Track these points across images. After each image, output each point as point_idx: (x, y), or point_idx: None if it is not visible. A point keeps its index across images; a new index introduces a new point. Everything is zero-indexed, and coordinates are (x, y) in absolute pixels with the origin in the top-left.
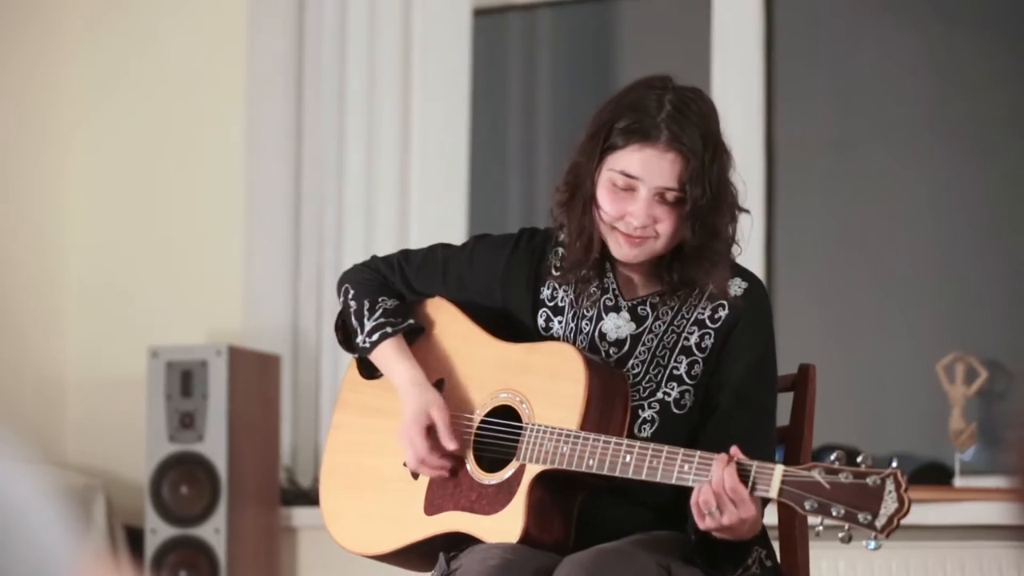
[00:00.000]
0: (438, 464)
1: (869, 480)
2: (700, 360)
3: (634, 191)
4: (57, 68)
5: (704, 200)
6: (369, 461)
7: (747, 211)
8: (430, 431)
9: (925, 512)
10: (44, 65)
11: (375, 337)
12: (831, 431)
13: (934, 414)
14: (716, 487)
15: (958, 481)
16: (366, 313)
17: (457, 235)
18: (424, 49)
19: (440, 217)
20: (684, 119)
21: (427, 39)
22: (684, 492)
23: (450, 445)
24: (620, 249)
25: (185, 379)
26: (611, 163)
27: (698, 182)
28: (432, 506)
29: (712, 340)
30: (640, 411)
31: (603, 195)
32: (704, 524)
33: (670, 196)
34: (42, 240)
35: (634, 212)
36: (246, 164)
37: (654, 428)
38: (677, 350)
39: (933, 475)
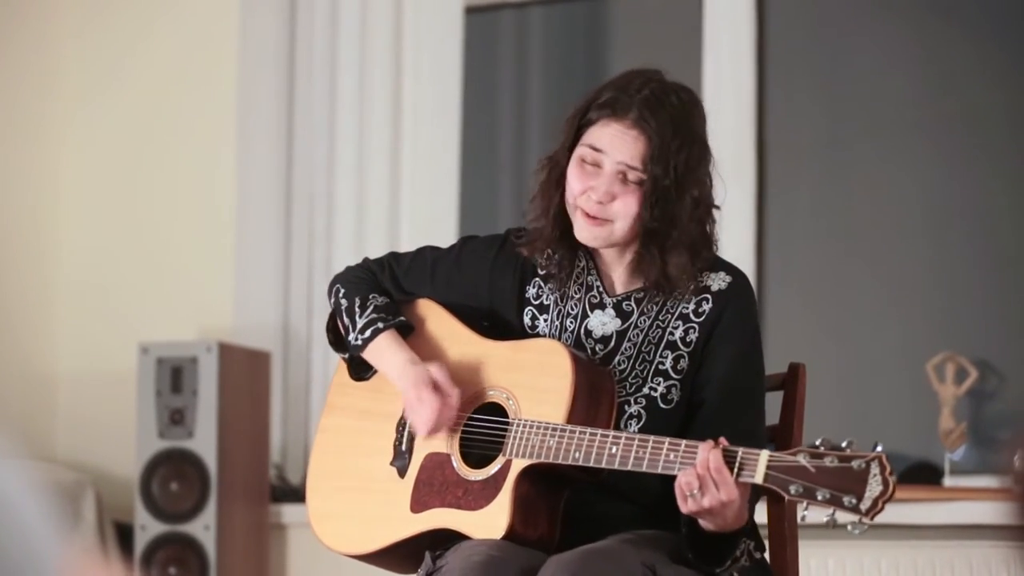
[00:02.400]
0: (449, 417)
1: (854, 464)
2: (685, 354)
3: (600, 167)
4: (49, 67)
5: (665, 183)
6: (356, 462)
7: (717, 207)
8: (436, 389)
9: (914, 511)
10: (37, 64)
11: (367, 333)
12: (821, 430)
13: (924, 413)
14: (700, 468)
15: (947, 481)
16: (357, 310)
17: (448, 233)
18: (416, 47)
19: (431, 215)
20: (658, 104)
21: (419, 36)
22: (672, 489)
23: (453, 392)
24: (582, 231)
25: (175, 375)
26: (584, 138)
27: (660, 163)
28: (418, 504)
29: (697, 334)
30: (626, 407)
31: (572, 170)
32: (686, 507)
33: (632, 176)
34: (33, 236)
35: (595, 187)
36: (237, 161)
37: (641, 423)
38: (662, 345)
39: (922, 474)
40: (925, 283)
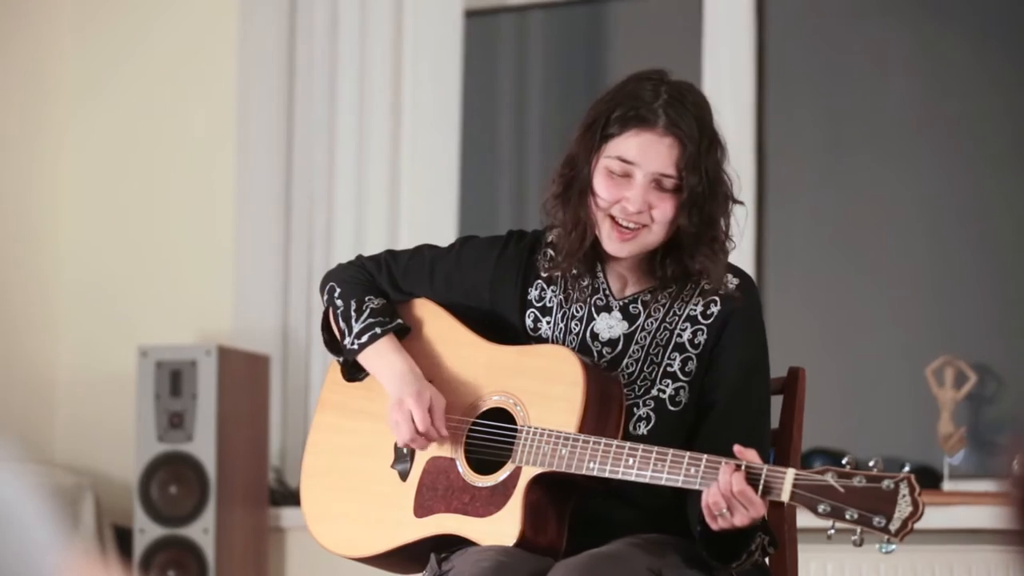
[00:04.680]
0: (434, 439)
1: (883, 484)
2: (694, 356)
3: (630, 177)
4: (49, 68)
5: (701, 187)
6: (354, 463)
7: (741, 203)
8: (430, 409)
9: None
10: (36, 65)
11: (364, 339)
12: (820, 434)
13: (923, 418)
14: (724, 490)
15: (947, 485)
16: (353, 314)
17: (447, 236)
18: (415, 50)
19: (430, 218)
20: (681, 106)
21: (418, 40)
22: (680, 495)
23: (443, 431)
24: (611, 243)
25: (174, 379)
26: (608, 151)
27: (695, 169)
28: (422, 508)
29: (705, 336)
30: (635, 409)
31: (599, 182)
32: (717, 525)
33: (667, 183)
34: (33, 239)
35: (630, 197)
36: (237, 164)
37: (650, 426)
38: (671, 347)
39: (922, 479)
40: (924, 287)
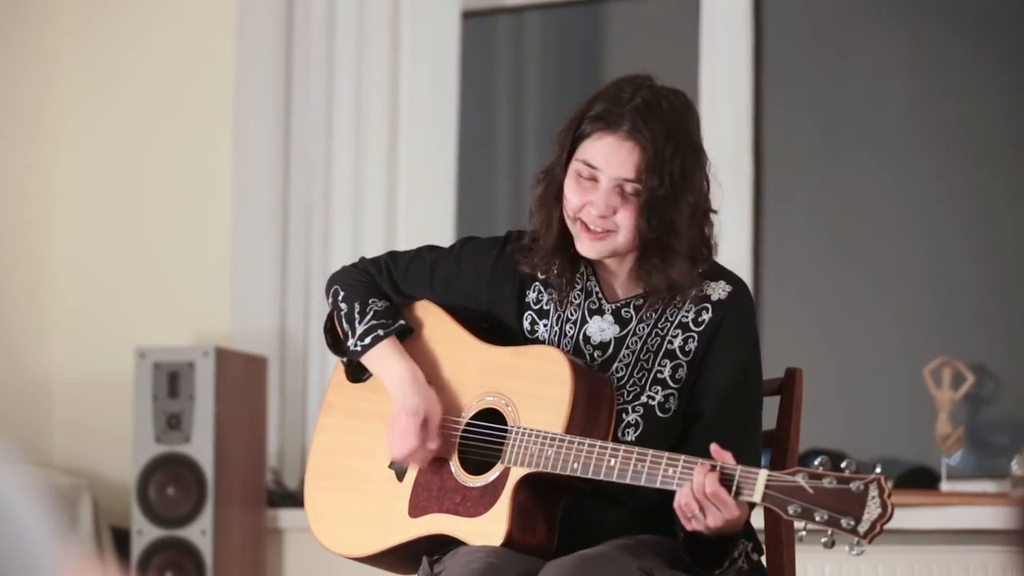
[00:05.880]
0: (425, 458)
1: (853, 485)
2: (684, 364)
3: (596, 181)
4: (46, 70)
5: (661, 192)
6: (354, 463)
7: (715, 211)
8: (423, 425)
9: (911, 516)
10: (33, 67)
11: (367, 340)
12: (818, 435)
13: (921, 418)
14: (696, 491)
15: (944, 485)
16: (357, 316)
17: (444, 238)
18: (413, 51)
19: (428, 219)
20: (650, 112)
21: (416, 41)
22: (669, 496)
23: (432, 444)
24: (583, 244)
25: (172, 380)
26: (579, 153)
27: (655, 173)
28: (416, 508)
29: (696, 343)
30: (624, 415)
31: (569, 185)
32: (690, 526)
33: (629, 188)
34: (30, 240)
35: (594, 201)
36: (234, 165)
37: (638, 432)
38: (661, 353)
39: (919, 479)
40: (922, 288)
